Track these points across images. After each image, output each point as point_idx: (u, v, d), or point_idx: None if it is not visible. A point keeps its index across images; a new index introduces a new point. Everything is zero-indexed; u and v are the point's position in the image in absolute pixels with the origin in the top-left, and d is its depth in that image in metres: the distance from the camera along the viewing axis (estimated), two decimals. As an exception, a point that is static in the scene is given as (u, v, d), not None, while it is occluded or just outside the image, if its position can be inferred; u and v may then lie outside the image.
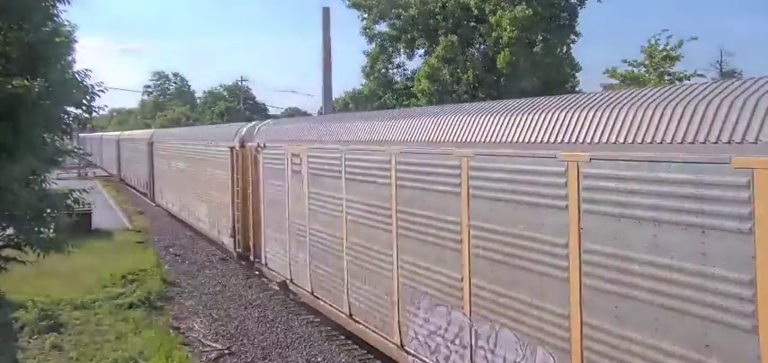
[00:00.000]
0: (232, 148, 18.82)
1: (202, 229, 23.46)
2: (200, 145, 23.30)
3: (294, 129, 15.61)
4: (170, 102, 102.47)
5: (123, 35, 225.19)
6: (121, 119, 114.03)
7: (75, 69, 12.61)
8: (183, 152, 26.21)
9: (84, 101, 12.52)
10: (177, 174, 27.28)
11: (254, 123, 19.55)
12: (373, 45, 43.53)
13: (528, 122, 7.52)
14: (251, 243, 17.86)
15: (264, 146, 16.38)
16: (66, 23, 12.48)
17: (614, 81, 29.11)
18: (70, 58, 12.60)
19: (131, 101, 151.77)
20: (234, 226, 18.81)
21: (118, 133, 57.45)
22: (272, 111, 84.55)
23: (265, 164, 16.37)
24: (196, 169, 23.72)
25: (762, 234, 4.96)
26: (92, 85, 12.41)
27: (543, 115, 7.34)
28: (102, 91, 12.53)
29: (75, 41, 12.72)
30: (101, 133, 73.37)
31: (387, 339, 10.53)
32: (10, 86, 10.33)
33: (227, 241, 19.73)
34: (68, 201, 12.46)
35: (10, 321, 13.40)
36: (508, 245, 7.68)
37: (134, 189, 41.78)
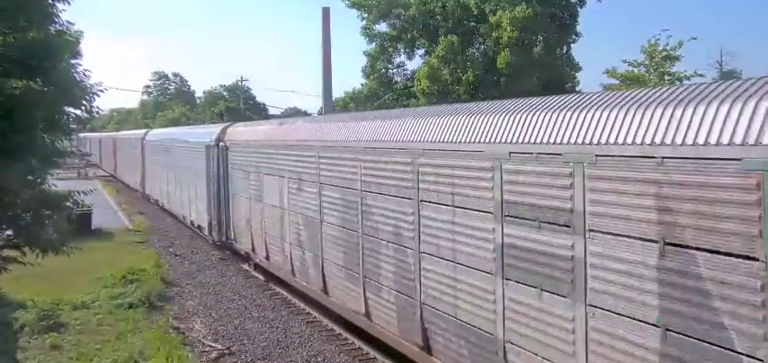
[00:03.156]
0: None
1: None
2: None
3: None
4: (170, 102, 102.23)
5: (123, 33, 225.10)
6: (121, 118, 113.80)
7: (77, 70, 12.58)
8: None
9: (83, 102, 12.49)
10: None
11: None
12: (373, 45, 43.49)
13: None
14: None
15: None
16: (65, 24, 12.44)
17: (614, 81, 29.10)
18: (74, 62, 12.54)
19: (131, 101, 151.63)
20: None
21: (187, 130, 29.93)
22: (272, 111, 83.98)
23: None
24: None
25: None
26: (91, 86, 12.39)
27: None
28: (102, 91, 12.50)
29: (80, 44, 12.67)
30: (132, 132, 49.00)
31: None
32: (9, 87, 10.31)
33: None
34: (68, 202, 12.44)
35: (10, 321, 13.40)
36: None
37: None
